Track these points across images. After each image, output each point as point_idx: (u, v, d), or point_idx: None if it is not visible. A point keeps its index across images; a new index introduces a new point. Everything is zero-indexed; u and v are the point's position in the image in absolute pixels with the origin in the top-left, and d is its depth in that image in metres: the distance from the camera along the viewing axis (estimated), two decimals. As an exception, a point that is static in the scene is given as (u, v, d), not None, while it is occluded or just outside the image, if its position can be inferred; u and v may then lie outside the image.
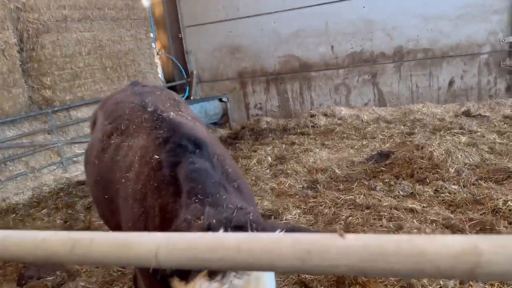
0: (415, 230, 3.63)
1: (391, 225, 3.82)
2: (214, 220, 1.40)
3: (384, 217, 4.03)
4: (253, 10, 9.59)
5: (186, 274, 1.34)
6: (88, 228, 5.11)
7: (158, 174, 1.97)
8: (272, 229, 1.33)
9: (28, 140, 7.33)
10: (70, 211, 5.63)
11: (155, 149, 2.10)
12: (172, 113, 2.49)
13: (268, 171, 6.13)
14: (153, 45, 10.24)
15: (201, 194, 1.67)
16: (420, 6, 8.22)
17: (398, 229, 3.74)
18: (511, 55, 7.79)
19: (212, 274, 1.29)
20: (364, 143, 6.84)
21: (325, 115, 8.88)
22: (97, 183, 2.59)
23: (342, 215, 4.25)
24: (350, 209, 4.40)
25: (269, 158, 6.62)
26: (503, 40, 7.79)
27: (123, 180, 2.22)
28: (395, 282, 3.05)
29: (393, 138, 6.79)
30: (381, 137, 6.98)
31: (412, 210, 4.14)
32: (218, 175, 1.86)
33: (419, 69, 8.54)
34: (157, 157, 2.04)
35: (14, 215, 5.74)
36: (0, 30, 7.00)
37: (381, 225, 3.86)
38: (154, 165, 2.03)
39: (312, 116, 8.96)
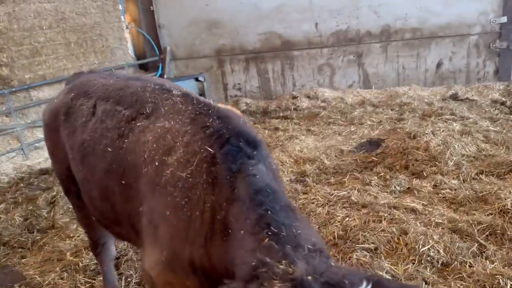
0: (422, 237, 3.31)
1: (394, 230, 3.48)
2: (306, 275, 1.24)
3: (384, 219, 3.72)
4: (232, -19, 8.98)
5: None
6: (51, 227, 4.61)
7: (211, 170, 1.89)
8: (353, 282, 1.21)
9: (-17, 124, 6.62)
10: (31, 207, 5.06)
11: (207, 140, 1.98)
12: (201, 98, 2.43)
13: (251, 161, 5.69)
14: (122, 18, 9.48)
15: (274, 226, 1.54)
16: (409, -18, 7.85)
17: (403, 234, 3.42)
18: (501, 37, 7.56)
19: None
20: (352, 129, 6.56)
21: (308, 97, 8.55)
22: (109, 172, 2.43)
23: (338, 216, 3.90)
24: (345, 207, 4.08)
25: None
26: (494, 21, 7.54)
27: (157, 163, 2.10)
28: None
29: (382, 124, 6.53)
30: (369, 123, 6.71)
31: (413, 210, 3.87)
32: (281, 190, 1.81)
33: (407, 49, 8.24)
34: (209, 149, 1.93)
35: (-34, 211, 5.15)
36: None
37: (382, 230, 3.51)
38: (206, 157, 1.93)
39: (294, 98, 8.62)
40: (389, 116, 6.88)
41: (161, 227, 2.05)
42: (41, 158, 6.86)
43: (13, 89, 6.96)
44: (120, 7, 9.40)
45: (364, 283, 1.22)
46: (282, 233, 1.51)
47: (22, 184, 5.90)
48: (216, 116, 2.09)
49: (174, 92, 2.43)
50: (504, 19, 7.42)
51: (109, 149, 2.43)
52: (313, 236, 1.61)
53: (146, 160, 2.16)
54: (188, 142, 2.05)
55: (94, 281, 3.50)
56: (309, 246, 1.45)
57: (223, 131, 1.97)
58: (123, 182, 2.32)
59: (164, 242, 2.03)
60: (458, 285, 2.83)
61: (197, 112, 2.17)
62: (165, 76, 9.58)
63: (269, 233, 1.52)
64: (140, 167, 2.19)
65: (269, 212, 1.61)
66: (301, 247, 1.44)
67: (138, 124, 2.37)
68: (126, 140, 2.37)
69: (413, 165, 4.76)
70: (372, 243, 3.37)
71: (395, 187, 4.37)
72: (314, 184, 4.72)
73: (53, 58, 7.77)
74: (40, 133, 7.24)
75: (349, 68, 8.67)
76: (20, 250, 4.16)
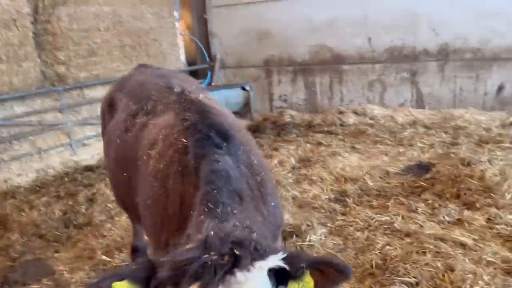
0: (470, 276, 3.00)
1: (439, 264, 3.19)
2: (212, 233, 1.41)
3: (429, 251, 3.42)
4: (286, -8, 8.92)
5: (178, 284, 1.34)
6: (87, 224, 4.66)
7: (183, 160, 1.99)
8: (274, 254, 1.37)
9: (37, 118, 6.88)
10: (71, 202, 5.19)
11: (182, 131, 2.10)
12: (200, 95, 2.53)
13: (290, 175, 5.53)
14: (177, 24, 9.67)
15: (212, 202, 1.67)
16: (473, 2, 7.40)
17: (449, 270, 3.12)
18: None
19: (203, 286, 1.30)
20: (400, 150, 6.24)
21: (356, 113, 8.32)
22: (117, 162, 2.61)
23: (378, 243, 3.64)
24: (386, 234, 3.82)
25: (292, 160, 6.04)
26: None
27: (145, 157, 2.24)
28: None
29: (433, 147, 6.16)
30: (420, 145, 6.35)
31: (462, 244, 3.53)
32: (241, 180, 1.88)
33: (465, 70, 7.77)
34: (184, 140, 2.04)
35: (12, 200, 5.33)
36: (13, -2, 6.53)
37: (426, 263, 3.22)
38: (180, 148, 2.05)
39: (341, 113, 8.42)
40: (442, 139, 6.50)
41: (146, 217, 2.19)
42: (88, 155, 7.04)
43: (68, 87, 7.21)
44: (176, 14, 9.60)
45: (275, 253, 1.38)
46: (217, 209, 1.61)
47: (66, 179, 6.07)
48: (196, 111, 2.17)
49: (174, 90, 2.54)
50: None
51: (117, 140, 2.59)
52: (252, 223, 1.67)
53: (140, 156, 2.31)
54: (167, 135, 2.18)
55: None
56: (236, 223, 1.53)
57: (198, 124, 2.05)
58: (125, 174, 2.46)
59: (149, 230, 2.19)
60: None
61: (182, 109, 2.27)
62: (213, 84, 9.67)
63: (206, 209, 1.62)
64: (136, 162, 2.33)
65: (215, 191, 1.69)
66: (227, 221, 1.53)
67: (138, 120, 2.51)
68: (129, 135, 2.51)
69: (465, 194, 4.40)
70: (414, 277, 3.10)
71: (443, 217, 4.04)
72: (355, 205, 4.48)
73: (108, 59, 7.98)
74: (89, 131, 7.47)
75: (402, 86, 8.32)
76: (55, 244, 4.24)
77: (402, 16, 8.02)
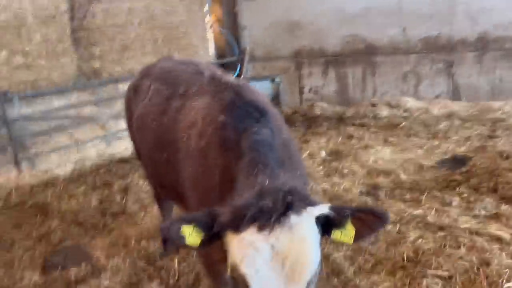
0: (507, 270, 2.92)
1: (473, 258, 3.12)
2: (266, 184, 1.63)
3: (464, 245, 3.35)
4: (317, -17, 8.83)
5: (238, 226, 1.51)
6: (122, 212, 4.80)
7: (224, 135, 2.08)
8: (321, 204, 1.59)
9: (75, 112, 7.11)
10: (107, 191, 5.37)
11: (221, 110, 2.18)
12: (230, 78, 2.64)
13: (320, 167, 5.54)
14: (207, 18, 9.72)
15: (262, 164, 1.80)
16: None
17: (484, 265, 3.05)
18: None
19: (261, 227, 1.47)
20: (435, 143, 6.09)
21: (389, 105, 8.19)
22: (156, 144, 2.64)
23: (410, 236, 3.60)
24: (419, 228, 3.75)
25: (323, 152, 6.03)
26: None
27: (186, 137, 2.32)
28: None
29: (470, 140, 5.99)
30: (455, 138, 6.20)
31: (498, 239, 3.43)
32: (279, 149, 2.00)
33: (506, 61, 7.48)
34: (223, 117, 2.13)
35: (52, 189, 5.54)
36: (53, -4, 6.76)
37: (460, 257, 3.17)
38: (219, 125, 2.13)
39: (374, 105, 8.32)
40: (479, 132, 6.31)
41: (189, 192, 2.26)
42: (122, 148, 7.19)
43: (103, 81, 7.41)
44: (206, 7, 9.65)
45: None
46: (266, 170, 1.76)
47: (102, 170, 6.28)
48: (231, 91, 2.29)
49: (205, 74, 2.62)
50: None
51: (153, 122, 2.63)
52: (295, 182, 1.81)
53: (181, 135, 2.36)
54: (206, 115, 2.26)
55: (152, 269, 3.54)
56: (284, 181, 1.68)
57: (236, 101, 2.17)
58: (165, 155, 2.49)
59: (192, 206, 2.23)
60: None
61: (217, 90, 2.37)
62: (242, 77, 9.67)
63: (256, 170, 1.77)
64: (177, 141, 2.37)
65: (262, 156, 1.85)
66: (277, 179, 1.69)
67: (174, 103, 2.55)
68: (165, 116, 2.55)
69: (503, 188, 4.27)
70: (447, 270, 3.06)
71: (479, 210, 3.95)
72: (387, 198, 4.46)
73: (141, 53, 8.11)
74: (123, 124, 7.62)
75: (438, 78, 8.10)
76: (92, 231, 4.38)
77: (439, 4, 7.80)
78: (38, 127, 6.67)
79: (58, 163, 6.53)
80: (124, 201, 5.04)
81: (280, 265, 1.46)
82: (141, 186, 5.32)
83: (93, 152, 7.02)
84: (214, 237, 1.60)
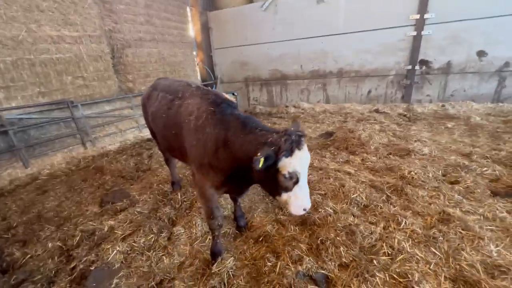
0: (353, 189, 2.99)
1: (336, 183, 3.17)
2: (284, 129, 1.74)
3: (331, 177, 3.38)
4: (255, 40, 8.45)
5: (291, 150, 1.61)
6: (148, 169, 4.46)
7: (214, 117, 2.00)
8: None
9: (118, 112, 6.46)
10: (139, 158, 4.95)
11: (209, 104, 2.10)
12: (208, 87, 2.51)
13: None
14: (195, 59, 9.13)
15: (261, 127, 1.84)
16: (355, 44, 7.21)
17: (342, 186, 3.09)
18: (407, 77, 6.93)
19: (299, 148, 1.63)
20: (317, 125, 6.13)
21: (294, 106, 8.08)
22: (166, 126, 2.43)
23: (305, 174, 3.58)
24: (309, 169, 3.72)
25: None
26: (403, 67, 6.89)
27: (187, 121, 2.17)
28: (342, 228, 2.43)
29: (334, 124, 6.08)
30: (327, 122, 6.27)
31: (349, 173, 3.49)
32: (255, 121, 1.94)
33: (351, 83, 7.65)
34: (212, 108, 2.05)
35: (106, 158, 5.05)
36: (98, 43, 5.95)
37: (330, 184, 3.20)
38: (210, 113, 2.04)
39: (286, 106, 8.16)
40: (339, 119, 6.45)
41: (192, 152, 2.12)
42: (148, 133, 6.67)
43: (134, 95, 6.77)
44: (194, 53, 9.05)
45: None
46: (266, 129, 1.82)
47: (136, 146, 5.80)
48: (213, 94, 2.20)
49: (192, 86, 2.46)
50: (409, 67, 6.80)
51: (163, 115, 2.46)
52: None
53: (183, 119, 2.21)
54: (199, 107, 2.14)
55: (166, 200, 3.31)
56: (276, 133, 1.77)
57: (218, 99, 2.11)
58: (173, 132, 2.34)
59: (194, 158, 2.12)
60: (373, 220, 2.53)
61: (203, 94, 2.26)
62: (217, 92, 9.27)
63: (262, 130, 1.81)
64: (181, 123, 2.24)
65: (257, 123, 1.88)
66: (276, 133, 1.75)
67: (176, 102, 2.38)
68: (171, 110, 2.39)
69: (351, 147, 4.37)
70: (323, 190, 3.08)
71: (339, 159, 4.00)
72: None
73: (156, 79, 7.48)
74: (148, 119, 7.10)
75: (318, 92, 8.14)
76: (130, 181, 4.06)
77: (318, 53, 7.76)
78: (96, 122, 6.00)
79: (109, 143, 5.95)
80: (149, 162, 4.70)
81: (307, 164, 1.71)
82: (160, 154, 4.95)
83: (131, 136, 6.46)
84: (272, 164, 1.66)
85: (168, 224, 2.85)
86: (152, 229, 2.74)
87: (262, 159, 1.58)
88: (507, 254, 1.98)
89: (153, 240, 2.60)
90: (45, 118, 5.05)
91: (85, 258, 2.43)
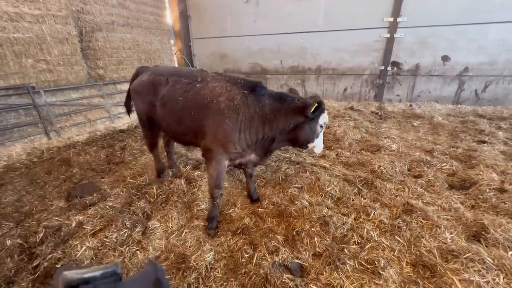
0: (327, 182, 3.11)
1: (312, 177, 3.27)
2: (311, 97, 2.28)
3: (308, 171, 3.49)
4: (235, 32, 8.31)
5: (323, 110, 2.24)
6: (121, 162, 4.23)
7: (249, 98, 2.22)
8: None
9: (87, 101, 6.01)
10: (111, 150, 4.65)
11: (240, 87, 2.27)
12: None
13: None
14: (172, 48, 8.75)
15: (297, 97, 2.28)
16: (333, 42, 7.40)
17: (317, 180, 3.20)
18: (379, 77, 7.29)
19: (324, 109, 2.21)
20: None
21: (273, 101, 8.11)
22: (182, 109, 2.37)
23: (283, 167, 3.64)
24: (287, 163, 3.80)
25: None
26: (376, 68, 7.23)
27: (215, 101, 2.21)
28: (316, 219, 2.53)
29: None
30: (305, 118, 6.36)
31: (324, 167, 3.61)
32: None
33: (328, 80, 7.86)
34: (246, 92, 2.24)
35: (73, 149, 4.68)
36: (64, 24, 5.44)
37: (306, 177, 3.30)
38: (244, 95, 2.22)
39: (266, 101, 8.18)
40: (316, 115, 6.58)
41: (218, 129, 2.20)
42: (121, 123, 6.35)
43: (105, 82, 6.35)
44: (172, 42, 8.66)
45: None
46: (295, 97, 2.31)
47: (108, 137, 5.45)
48: (241, 79, 2.34)
49: (208, 72, 2.50)
50: (382, 67, 7.15)
51: (180, 97, 2.40)
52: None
53: (210, 100, 2.23)
54: (230, 90, 2.25)
55: (140, 194, 3.16)
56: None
57: (251, 84, 2.29)
58: (192, 113, 2.32)
59: (221, 134, 2.19)
60: (345, 211, 2.67)
61: (228, 78, 2.37)
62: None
63: (298, 99, 2.25)
64: (203, 104, 2.25)
65: (283, 94, 2.30)
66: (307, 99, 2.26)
67: (196, 85, 2.36)
68: (189, 93, 2.36)
69: (327, 142, 4.50)
70: (300, 184, 3.17)
71: (315, 154, 4.07)
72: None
73: (130, 67, 7.08)
74: (121, 109, 6.69)
75: (297, 87, 8.25)
76: (101, 174, 3.81)
77: (298, 49, 7.83)
78: (61, 111, 5.54)
79: (77, 133, 5.53)
80: (122, 154, 4.44)
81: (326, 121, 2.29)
82: (133, 146, 4.70)
83: (102, 126, 6.07)
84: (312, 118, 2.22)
85: (142, 218, 2.75)
86: (125, 224, 2.63)
87: (315, 105, 2.09)
88: (459, 240, 2.21)
89: (126, 235, 2.50)
90: (1, 104, 4.55)
91: (49, 256, 2.27)
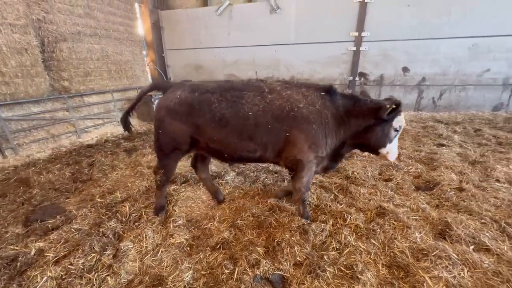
0: (305, 190, 3.16)
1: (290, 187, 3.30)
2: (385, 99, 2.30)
3: (286, 179, 3.52)
4: (210, 44, 8.37)
5: (400, 111, 2.18)
6: (89, 179, 3.94)
7: (327, 104, 2.25)
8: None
9: (50, 115, 5.58)
10: (77, 167, 4.32)
11: (315, 91, 2.29)
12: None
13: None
14: (145, 59, 8.53)
15: (371, 99, 2.28)
16: (305, 55, 7.76)
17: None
18: (349, 86, 7.73)
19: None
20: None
21: (250, 111, 8.18)
22: (255, 124, 2.18)
23: (261, 177, 3.64)
24: (265, 173, 3.80)
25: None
26: (346, 78, 7.68)
27: (296, 109, 2.16)
28: (296, 228, 2.55)
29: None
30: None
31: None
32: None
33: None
34: (326, 97, 2.27)
35: (33, 168, 4.29)
36: (23, 34, 5.07)
37: (285, 185, 3.32)
38: (324, 101, 2.24)
39: (242, 111, 8.22)
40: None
41: (307, 135, 2.18)
42: (89, 138, 5.97)
43: (71, 95, 5.97)
44: (144, 52, 8.46)
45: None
46: (368, 99, 2.33)
47: (74, 153, 5.07)
48: (311, 84, 2.34)
49: (268, 81, 2.37)
50: (351, 78, 7.62)
51: (250, 113, 2.19)
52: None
53: (288, 110, 2.16)
54: (307, 95, 2.23)
55: (110, 213, 2.95)
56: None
57: (324, 86, 2.31)
58: (269, 127, 2.18)
59: (310, 140, 2.18)
60: (323, 217, 2.71)
61: (297, 83, 2.30)
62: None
63: (369, 100, 2.29)
64: (284, 115, 2.16)
65: (357, 96, 2.31)
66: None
67: (268, 96, 2.21)
68: (261, 105, 2.19)
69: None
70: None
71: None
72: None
73: (99, 78, 6.74)
74: (89, 123, 6.31)
75: (272, 97, 8.46)
76: (66, 194, 3.51)
77: (272, 60, 8.07)
78: (19, 126, 5.07)
79: (38, 150, 5.08)
80: (91, 171, 4.13)
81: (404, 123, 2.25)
82: (103, 162, 4.41)
83: (67, 142, 5.65)
84: (387, 120, 2.18)
85: (113, 240, 2.56)
86: (93, 248, 2.42)
87: (392, 107, 2.02)
88: (427, 239, 2.36)
89: (94, 259, 2.30)
90: None
91: (2, 291, 2.01)
